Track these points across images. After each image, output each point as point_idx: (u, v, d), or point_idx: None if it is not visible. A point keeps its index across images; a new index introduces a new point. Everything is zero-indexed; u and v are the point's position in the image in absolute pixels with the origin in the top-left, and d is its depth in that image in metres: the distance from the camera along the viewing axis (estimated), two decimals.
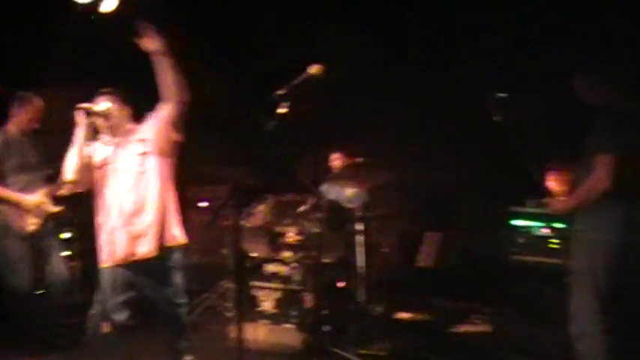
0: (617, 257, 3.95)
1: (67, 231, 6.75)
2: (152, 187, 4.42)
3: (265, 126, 3.26)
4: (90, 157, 4.47)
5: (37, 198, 5.51)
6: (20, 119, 5.52)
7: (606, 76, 4.11)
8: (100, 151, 4.51)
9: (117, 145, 4.48)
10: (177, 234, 4.56)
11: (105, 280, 4.47)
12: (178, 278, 4.57)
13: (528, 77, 6.18)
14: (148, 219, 4.40)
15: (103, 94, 4.50)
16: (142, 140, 4.45)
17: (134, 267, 4.42)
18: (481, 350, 5.76)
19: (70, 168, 4.37)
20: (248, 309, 5.75)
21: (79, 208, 6.76)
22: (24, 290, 5.47)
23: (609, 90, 4.07)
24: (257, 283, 6.10)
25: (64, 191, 5.60)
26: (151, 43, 4.24)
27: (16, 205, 5.43)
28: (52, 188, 5.64)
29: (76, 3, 5.13)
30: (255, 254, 6.39)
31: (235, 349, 3.86)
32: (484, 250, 7.06)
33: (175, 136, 4.51)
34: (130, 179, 4.40)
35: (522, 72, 6.28)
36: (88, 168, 4.44)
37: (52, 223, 5.76)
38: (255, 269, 6.10)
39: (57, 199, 5.66)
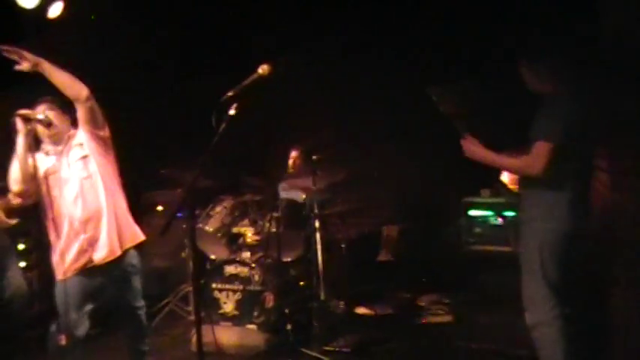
0: (563, 245, 4.00)
1: (22, 242, 6.64)
2: (100, 190, 4.36)
3: (216, 128, 3.23)
4: (36, 168, 4.35)
5: None
6: None
7: (551, 64, 4.14)
8: (42, 161, 4.41)
9: (59, 154, 4.40)
10: (133, 232, 4.53)
11: (62, 293, 4.37)
12: (137, 281, 4.54)
13: (474, 65, 6.23)
14: (102, 222, 4.35)
15: (42, 102, 4.40)
16: (80, 144, 4.39)
17: (93, 274, 4.36)
18: (445, 339, 5.80)
19: (14, 178, 4.28)
20: (209, 311, 5.72)
21: (34, 218, 6.71)
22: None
23: (554, 78, 4.10)
24: (217, 285, 6.08)
25: (14, 203, 5.53)
26: (25, 65, 4.17)
27: None
28: (4, 202, 5.54)
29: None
30: (214, 256, 6.37)
31: (196, 352, 3.84)
32: (443, 242, 7.12)
33: (103, 133, 4.45)
34: (76, 186, 4.34)
35: (468, 59, 6.34)
36: (34, 178, 4.33)
37: (7, 237, 5.67)
38: (215, 271, 6.07)
39: (10, 212, 5.56)
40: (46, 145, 4.44)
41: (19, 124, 4.21)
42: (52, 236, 4.43)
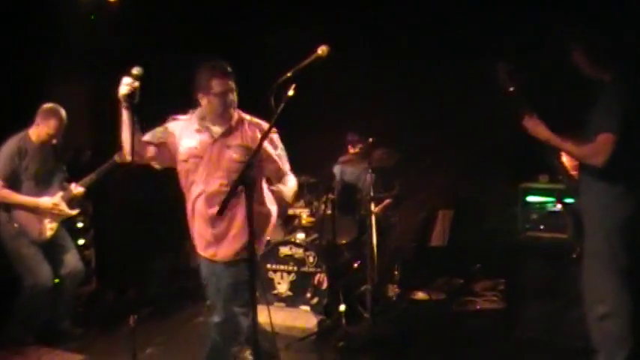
0: (630, 230, 3.91)
1: (80, 220, 6.78)
2: None
3: (275, 108, 3.24)
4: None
5: (52, 201, 5.54)
6: (40, 131, 5.48)
7: (611, 50, 4.04)
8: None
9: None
10: None
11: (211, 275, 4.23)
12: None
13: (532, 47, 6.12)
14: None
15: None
16: None
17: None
18: (497, 326, 5.77)
19: (127, 150, 3.94)
20: (263, 292, 5.76)
21: (92, 199, 6.84)
22: (44, 288, 5.49)
23: (613, 64, 4.00)
24: (272, 266, 6.13)
25: (74, 193, 5.67)
26: None
27: (33, 210, 5.47)
28: (67, 193, 5.68)
29: None
30: (269, 237, 6.41)
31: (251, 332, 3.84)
32: (498, 227, 7.05)
33: None
34: None
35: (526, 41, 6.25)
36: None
37: (66, 225, 5.84)
38: (270, 252, 6.12)
39: (71, 202, 5.69)
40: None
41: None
42: None
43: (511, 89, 4.13)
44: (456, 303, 6.77)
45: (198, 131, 4.08)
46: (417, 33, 7.57)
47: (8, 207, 5.43)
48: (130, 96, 3.78)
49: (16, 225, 5.43)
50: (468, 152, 7.53)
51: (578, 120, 4.02)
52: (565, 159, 4.30)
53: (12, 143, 5.43)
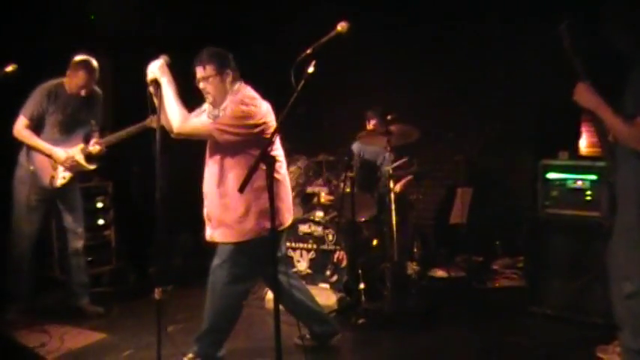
0: None
1: (100, 200, 6.82)
2: None
3: (295, 85, 3.22)
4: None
5: (67, 153, 5.55)
6: (70, 83, 5.51)
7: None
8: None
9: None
10: None
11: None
12: None
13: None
14: None
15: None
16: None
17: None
18: (517, 304, 5.76)
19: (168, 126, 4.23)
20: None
21: (112, 178, 6.88)
22: (27, 240, 5.58)
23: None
24: (291, 244, 6.15)
25: (92, 150, 5.65)
26: None
27: (48, 157, 5.50)
28: (85, 147, 5.67)
29: None
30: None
31: (269, 310, 3.86)
32: (518, 205, 7.03)
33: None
34: None
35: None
36: None
37: (78, 183, 5.85)
38: (289, 230, 6.12)
39: (90, 157, 5.69)
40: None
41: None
42: None
43: (568, 49, 4.02)
44: (476, 280, 6.77)
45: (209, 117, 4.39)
46: (437, 7, 7.53)
47: (29, 148, 5.48)
48: (154, 81, 4.06)
49: (32, 167, 5.47)
50: (488, 129, 7.51)
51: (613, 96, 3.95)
52: (584, 138, 4.23)
53: (46, 86, 5.49)
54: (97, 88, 5.69)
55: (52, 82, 5.52)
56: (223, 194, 4.28)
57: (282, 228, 4.46)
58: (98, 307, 5.89)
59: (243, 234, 4.27)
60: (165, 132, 4.16)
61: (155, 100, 4.08)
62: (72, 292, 5.87)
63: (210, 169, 4.38)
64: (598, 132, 4.12)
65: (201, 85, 4.32)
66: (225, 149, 4.25)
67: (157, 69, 4.10)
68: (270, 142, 3.27)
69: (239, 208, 4.25)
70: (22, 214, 5.55)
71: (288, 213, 4.50)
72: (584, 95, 3.94)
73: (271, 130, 4.16)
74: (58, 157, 5.51)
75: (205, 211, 4.46)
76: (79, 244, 5.85)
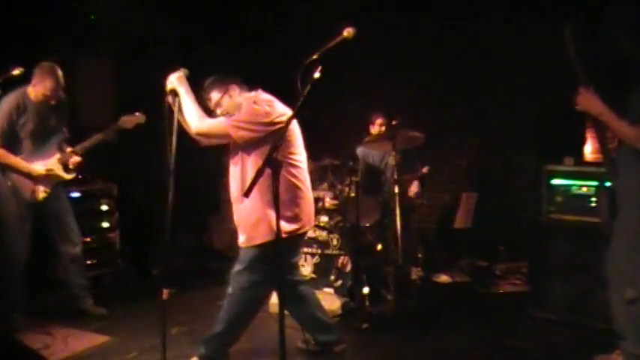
0: None
1: (105, 203, 6.82)
2: None
3: (301, 90, 3.23)
4: None
5: (45, 168, 5.46)
6: (37, 91, 5.36)
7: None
8: None
9: None
10: None
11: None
12: None
13: None
14: None
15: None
16: None
17: None
18: (521, 309, 5.76)
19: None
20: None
21: (117, 181, 6.88)
22: (16, 254, 5.40)
23: None
24: None
25: (71, 161, 5.64)
26: None
27: (26, 175, 5.40)
28: (64, 155, 5.62)
29: None
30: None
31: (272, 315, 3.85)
32: (522, 210, 7.03)
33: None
34: None
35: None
36: None
37: (63, 188, 5.77)
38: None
39: (67, 168, 5.65)
40: None
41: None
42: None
43: (572, 54, 4.01)
44: (479, 285, 6.77)
45: None
46: (440, 8, 7.54)
47: (3, 165, 5.33)
48: (172, 91, 4.30)
49: (9, 183, 5.34)
50: (492, 134, 7.52)
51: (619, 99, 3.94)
52: (588, 144, 4.22)
53: (11, 99, 5.31)
54: (62, 94, 5.56)
55: (17, 93, 5.35)
56: (243, 198, 4.30)
57: (300, 232, 4.48)
58: (102, 309, 5.88)
59: (259, 237, 4.31)
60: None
61: (174, 109, 4.26)
62: (74, 295, 5.85)
63: (232, 173, 4.45)
64: (599, 137, 4.13)
65: (218, 112, 4.47)
66: (245, 153, 4.33)
67: (175, 80, 4.32)
68: (276, 147, 3.27)
69: (255, 211, 4.29)
70: (14, 227, 5.36)
71: (306, 218, 4.52)
72: (588, 101, 3.95)
73: (290, 133, 4.35)
74: (38, 174, 5.41)
75: (235, 217, 4.51)
76: (76, 249, 5.79)
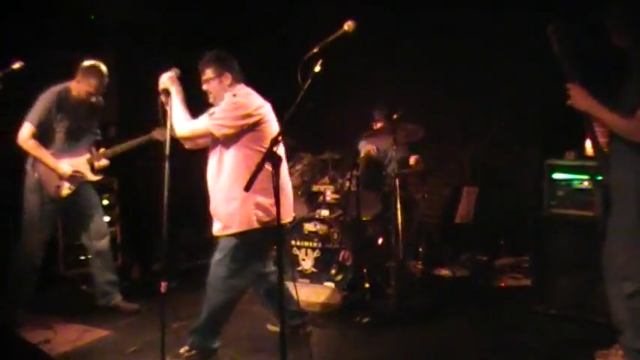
0: None
1: (106, 198, 6.81)
2: None
3: (302, 84, 3.22)
4: None
5: (72, 169, 5.47)
6: (80, 89, 5.41)
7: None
8: None
9: None
10: None
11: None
12: None
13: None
14: None
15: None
16: None
17: None
18: (522, 304, 5.75)
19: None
20: (288, 268, 5.77)
21: (118, 175, 6.87)
22: (34, 248, 5.47)
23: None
24: (296, 242, 6.14)
25: (99, 163, 5.67)
26: None
27: (53, 170, 5.41)
28: (93, 157, 5.66)
29: None
30: (293, 213, 6.42)
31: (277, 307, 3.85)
32: (523, 204, 7.01)
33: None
34: None
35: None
36: None
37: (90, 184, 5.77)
38: (294, 228, 6.12)
39: (95, 169, 5.68)
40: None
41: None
42: None
43: (557, 51, 4.00)
44: (480, 279, 6.77)
45: None
46: (444, 3, 7.51)
47: (33, 157, 5.38)
48: (165, 90, 4.40)
49: (36, 175, 5.37)
50: (494, 127, 7.50)
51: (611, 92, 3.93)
52: (588, 142, 4.19)
53: (53, 93, 5.36)
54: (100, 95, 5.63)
55: (59, 88, 5.41)
56: (221, 188, 4.45)
57: (275, 224, 4.45)
58: (133, 304, 5.84)
59: (236, 226, 4.42)
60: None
61: (167, 108, 4.37)
62: (103, 292, 5.80)
63: (210, 164, 4.54)
64: (590, 133, 4.11)
65: (204, 87, 4.58)
66: (223, 144, 4.43)
67: (167, 79, 4.42)
68: (276, 142, 3.26)
69: (233, 201, 4.39)
70: (34, 222, 5.43)
71: (282, 210, 4.49)
72: (577, 97, 3.94)
73: (267, 124, 4.43)
74: (64, 173, 5.41)
75: (211, 206, 4.57)
76: (102, 243, 5.81)
